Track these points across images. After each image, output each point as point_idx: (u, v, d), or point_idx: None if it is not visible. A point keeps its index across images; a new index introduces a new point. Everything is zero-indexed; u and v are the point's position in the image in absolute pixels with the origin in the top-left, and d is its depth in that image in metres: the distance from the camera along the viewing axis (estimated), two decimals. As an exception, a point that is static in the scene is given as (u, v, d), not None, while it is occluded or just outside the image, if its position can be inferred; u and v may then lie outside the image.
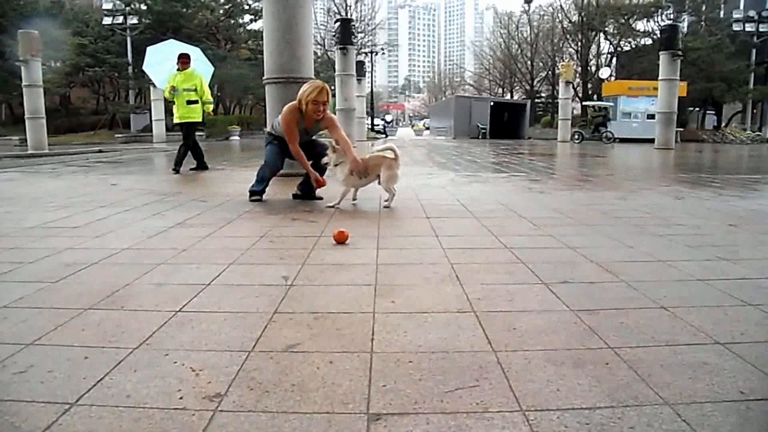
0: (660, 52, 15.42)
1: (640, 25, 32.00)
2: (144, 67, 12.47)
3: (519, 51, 42.88)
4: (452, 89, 64.72)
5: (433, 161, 10.29)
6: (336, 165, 4.23)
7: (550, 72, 39.48)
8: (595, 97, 32.07)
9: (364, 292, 2.12)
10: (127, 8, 24.42)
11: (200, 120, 7.84)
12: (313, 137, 4.58)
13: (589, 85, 35.64)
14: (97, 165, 9.36)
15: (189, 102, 7.57)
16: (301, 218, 3.81)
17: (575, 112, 29.84)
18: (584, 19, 34.72)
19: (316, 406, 1.27)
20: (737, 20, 26.75)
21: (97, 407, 1.26)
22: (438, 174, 7.44)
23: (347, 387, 1.36)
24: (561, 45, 38.65)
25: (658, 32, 25.88)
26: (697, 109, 30.03)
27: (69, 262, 2.57)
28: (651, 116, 20.42)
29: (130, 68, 24.15)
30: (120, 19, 24.40)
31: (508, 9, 64.16)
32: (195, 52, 9.46)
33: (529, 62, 41.40)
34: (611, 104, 24.41)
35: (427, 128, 46.40)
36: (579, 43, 36.18)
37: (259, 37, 13.28)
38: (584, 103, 29.58)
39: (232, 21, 30.91)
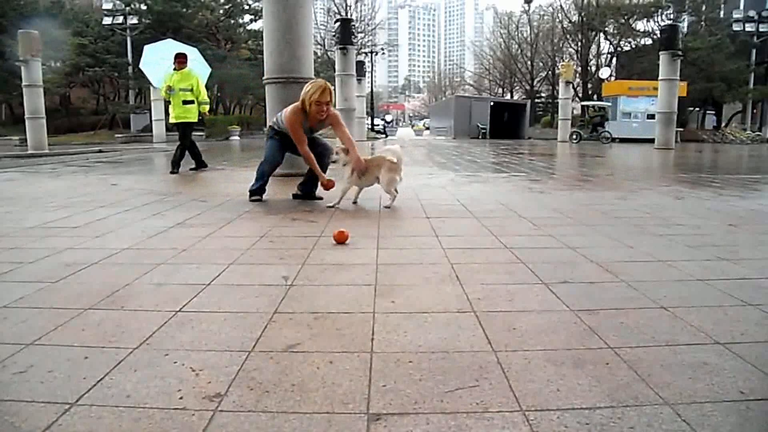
0: (660, 52, 15.43)
1: (640, 25, 32.10)
2: (141, 65, 12.48)
3: (519, 51, 42.92)
4: (452, 89, 64.72)
5: (433, 161, 10.28)
6: (345, 165, 4.24)
7: (550, 72, 39.50)
8: (595, 97, 32.10)
9: (364, 292, 2.12)
10: (127, 8, 24.43)
11: (196, 120, 7.80)
12: (315, 136, 4.58)
13: (589, 85, 35.67)
14: (97, 165, 9.36)
15: (185, 102, 7.54)
16: (301, 218, 3.81)
17: (575, 112, 29.84)
18: (584, 19, 34.75)
19: (316, 406, 1.27)
20: (737, 20, 26.78)
21: (97, 407, 1.26)
22: (438, 174, 7.44)
23: (347, 387, 1.36)
24: (561, 45, 38.70)
25: (658, 32, 25.91)
26: (697, 109, 30.06)
27: (69, 262, 2.57)
28: (651, 116, 20.43)
29: (130, 68, 24.15)
30: (120, 19, 24.41)
31: (508, 9, 64.36)
32: (192, 53, 9.45)
33: (529, 62, 41.42)
34: (609, 104, 24.44)
35: (427, 128, 46.40)
36: (579, 43, 36.22)
37: (259, 37, 13.29)
38: (583, 103, 29.60)
39: (232, 21, 30.95)
